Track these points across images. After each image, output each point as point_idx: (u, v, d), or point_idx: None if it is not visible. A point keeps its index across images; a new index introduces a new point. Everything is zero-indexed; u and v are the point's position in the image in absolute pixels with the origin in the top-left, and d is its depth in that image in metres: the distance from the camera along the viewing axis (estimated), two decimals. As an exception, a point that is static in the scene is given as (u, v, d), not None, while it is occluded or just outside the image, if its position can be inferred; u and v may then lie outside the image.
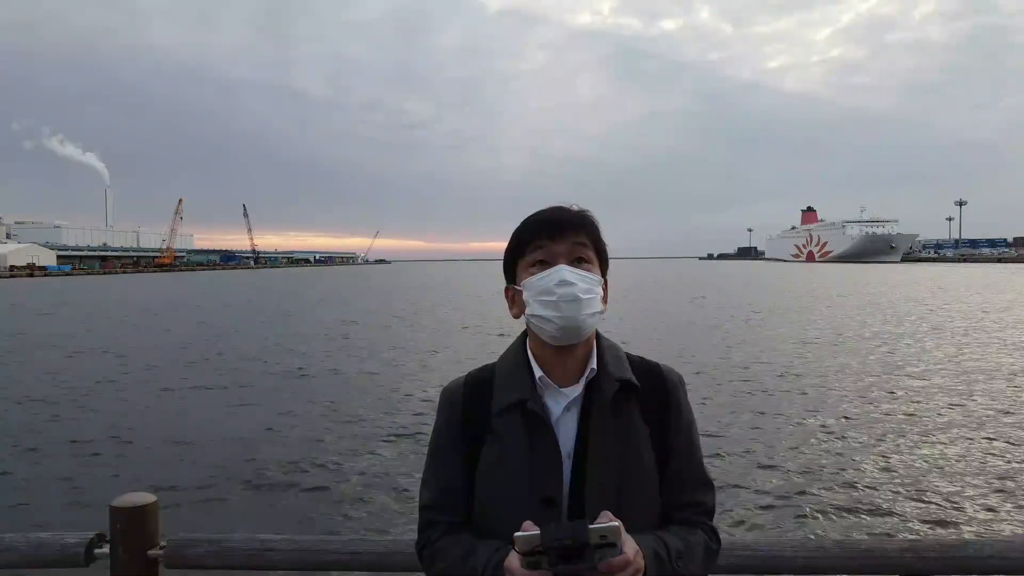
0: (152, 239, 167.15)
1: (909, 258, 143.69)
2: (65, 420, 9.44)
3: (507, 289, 1.35)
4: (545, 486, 1.23)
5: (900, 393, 10.99)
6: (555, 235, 1.27)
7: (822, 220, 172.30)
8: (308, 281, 75.84)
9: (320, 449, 7.90)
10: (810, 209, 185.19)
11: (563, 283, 1.22)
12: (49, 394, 11.29)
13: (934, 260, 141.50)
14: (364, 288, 58.04)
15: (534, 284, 1.25)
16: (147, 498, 1.81)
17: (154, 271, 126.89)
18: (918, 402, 10.34)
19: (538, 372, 1.28)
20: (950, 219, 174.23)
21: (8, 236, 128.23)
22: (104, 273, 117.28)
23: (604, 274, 1.32)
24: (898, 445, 8.01)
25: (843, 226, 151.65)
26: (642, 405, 1.29)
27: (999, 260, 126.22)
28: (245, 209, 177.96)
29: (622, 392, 1.27)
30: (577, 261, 1.27)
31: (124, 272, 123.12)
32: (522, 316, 1.31)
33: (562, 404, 1.27)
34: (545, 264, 1.26)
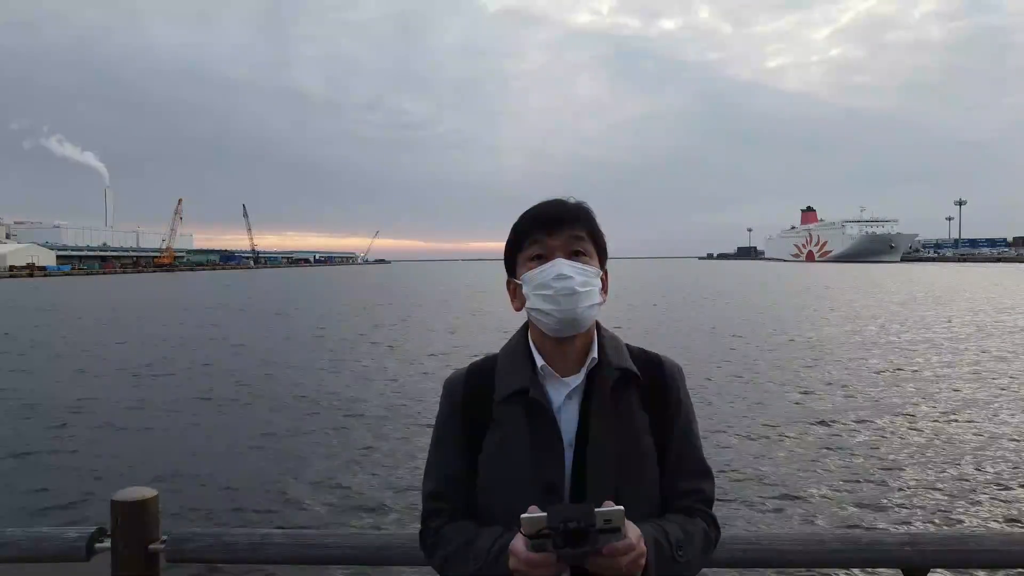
0: (152, 239, 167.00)
1: (909, 258, 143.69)
2: (65, 416, 9.48)
3: (508, 282, 1.37)
4: (547, 473, 1.24)
5: (900, 388, 11.03)
6: (552, 229, 1.28)
7: (822, 220, 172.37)
8: (308, 281, 75.79)
9: (319, 444, 7.95)
10: (810, 209, 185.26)
11: (560, 277, 1.24)
12: (49, 391, 11.33)
13: (934, 260, 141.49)
14: (364, 288, 58.02)
15: (532, 278, 1.27)
16: (148, 492, 1.81)
17: (154, 271, 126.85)
18: (918, 397, 10.37)
19: (540, 361, 1.30)
20: (950, 219, 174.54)
21: (8, 236, 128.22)
22: (104, 273, 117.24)
23: (603, 265, 1.34)
24: (898, 439, 8.05)
25: (843, 226, 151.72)
26: (642, 394, 1.31)
27: (998, 260, 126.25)
28: (245, 209, 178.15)
29: (622, 381, 1.29)
30: (575, 255, 1.28)
31: (124, 272, 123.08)
32: (523, 309, 1.32)
33: (563, 393, 1.29)
34: (543, 258, 1.28)
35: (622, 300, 33.42)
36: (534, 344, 1.33)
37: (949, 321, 21.99)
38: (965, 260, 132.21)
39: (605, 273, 1.34)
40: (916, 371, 12.87)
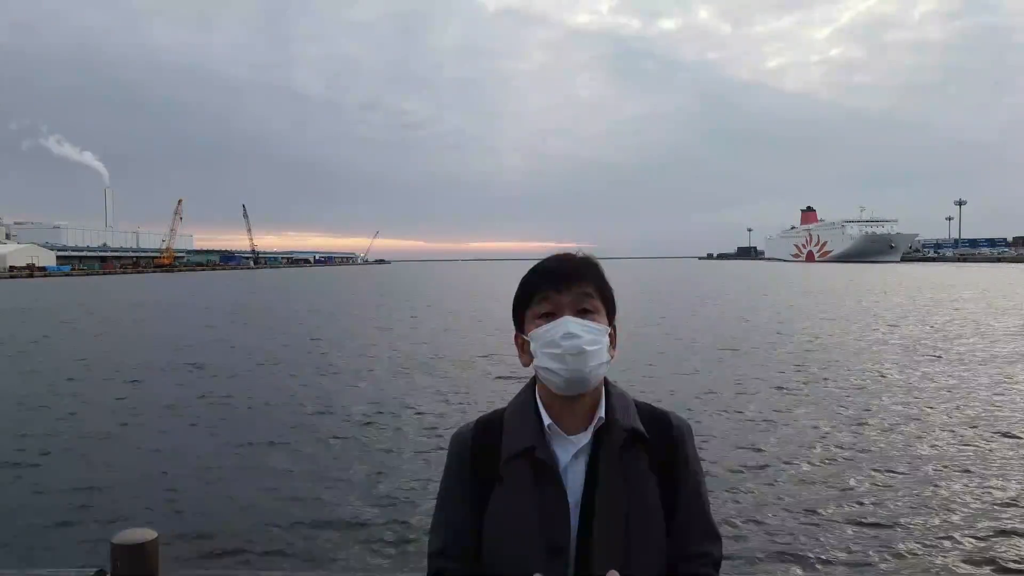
0: (152, 239, 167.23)
1: (909, 258, 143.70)
2: (63, 452, 9.04)
3: (516, 336, 1.37)
4: (553, 534, 1.24)
5: (922, 411, 10.61)
6: (560, 286, 1.29)
7: (822, 220, 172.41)
8: (310, 283, 75.48)
9: (322, 483, 7.59)
10: (810, 209, 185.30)
11: (568, 335, 1.24)
12: (43, 422, 10.71)
13: (934, 260, 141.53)
14: (368, 290, 57.83)
15: (540, 336, 1.27)
16: (148, 534, 1.77)
17: (154, 271, 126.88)
18: (941, 423, 9.84)
19: (547, 420, 1.30)
20: (950, 219, 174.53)
21: (8, 237, 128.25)
22: (104, 274, 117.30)
23: (611, 320, 1.34)
24: (914, 471, 7.71)
25: (843, 226, 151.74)
26: (650, 455, 1.30)
27: (998, 260, 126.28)
28: (245, 209, 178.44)
29: (630, 441, 1.29)
30: (583, 312, 1.28)
31: (124, 273, 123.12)
32: (531, 364, 1.32)
33: (570, 452, 1.28)
34: (551, 316, 1.28)
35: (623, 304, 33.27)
36: (541, 400, 1.33)
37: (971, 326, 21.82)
38: (965, 260, 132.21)
39: (614, 328, 1.35)
40: (939, 384, 12.42)
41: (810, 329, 21.99)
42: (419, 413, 10.82)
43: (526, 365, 1.34)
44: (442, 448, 8.74)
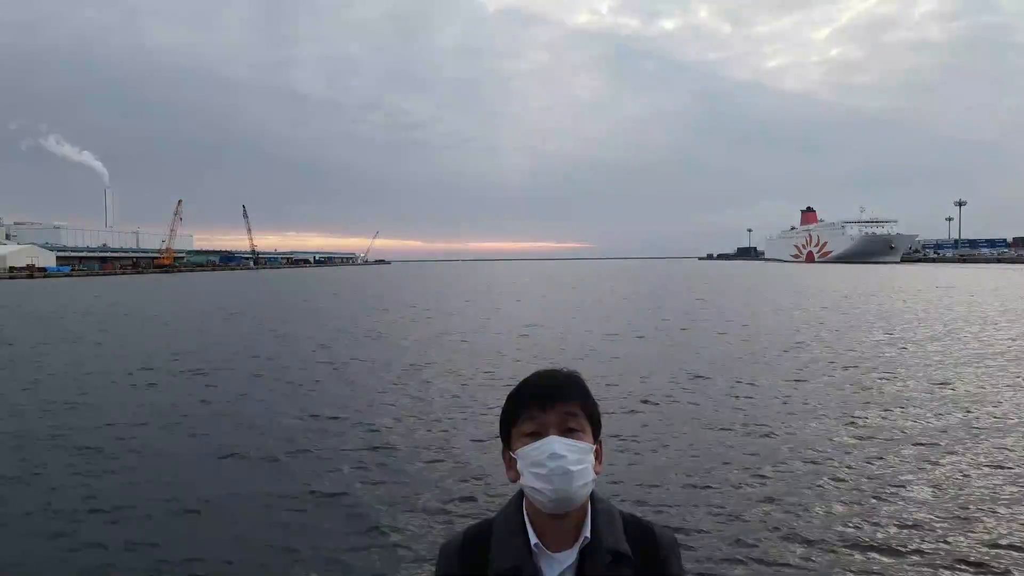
0: (152, 240, 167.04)
1: (909, 258, 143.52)
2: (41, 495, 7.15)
3: (504, 452, 1.39)
4: None
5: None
6: (545, 405, 1.31)
7: (822, 220, 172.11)
8: (313, 284, 74.98)
9: (327, 537, 6.05)
10: (810, 209, 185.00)
11: (554, 456, 1.26)
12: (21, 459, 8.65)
13: (934, 260, 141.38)
14: (374, 293, 57.38)
15: (527, 455, 1.29)
16: None
17: (154, 272, 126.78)
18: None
19: (533, 539, 1.31)
20: (950, 219, 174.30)
21: (8, 237, 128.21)
22: (103, 274, 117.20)
23: (597, 436, 1.36)
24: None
25: (843, 226, 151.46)
26: (634, 571, 1.31)
27: (998, 260, 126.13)
28: (244, 210, 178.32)
29: (615, 563, 1.30)
30: (568, 431, 1.30)
31: (123, 273, 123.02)
32: (518, 480, 1.33)
33: (556, 571, 1.30)
34: (537, 435, 1.30)
35: (624, 308, 33.04)
36: (528, 516, 1.34)
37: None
38: (965, 261, 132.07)
39: (599, 444, 1.36)
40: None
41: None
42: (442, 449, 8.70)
43: (513, 481, 1.35)
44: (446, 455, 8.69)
